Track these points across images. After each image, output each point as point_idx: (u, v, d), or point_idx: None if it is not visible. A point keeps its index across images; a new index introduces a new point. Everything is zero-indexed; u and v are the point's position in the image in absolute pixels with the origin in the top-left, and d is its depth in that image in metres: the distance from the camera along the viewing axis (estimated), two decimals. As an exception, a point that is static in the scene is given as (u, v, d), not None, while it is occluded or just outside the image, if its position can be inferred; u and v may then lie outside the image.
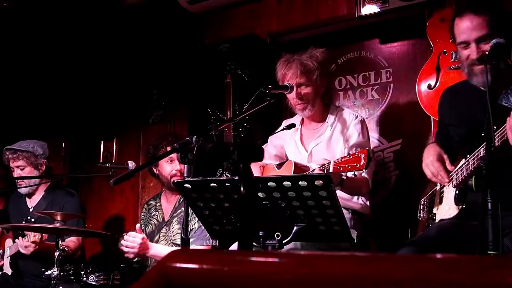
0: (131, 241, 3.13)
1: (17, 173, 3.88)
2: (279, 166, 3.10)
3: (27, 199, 4.03)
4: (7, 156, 3.87)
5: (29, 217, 3.84)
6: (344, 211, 2.71)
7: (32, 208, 3.97)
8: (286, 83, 2.93)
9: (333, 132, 3.00)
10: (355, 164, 2.21)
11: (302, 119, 3.19)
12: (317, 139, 3.04)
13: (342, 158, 2.30)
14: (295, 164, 2.90)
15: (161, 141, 3.54)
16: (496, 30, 2.22)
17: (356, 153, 2.25)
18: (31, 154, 3.88)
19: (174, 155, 3.19)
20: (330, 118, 3.05)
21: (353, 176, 2.69)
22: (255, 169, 3.21)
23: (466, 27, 2.28)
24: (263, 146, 3.35)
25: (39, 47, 4.96)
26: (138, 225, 3.22)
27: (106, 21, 4.91)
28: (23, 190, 3.94)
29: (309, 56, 2.98)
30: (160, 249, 3.25)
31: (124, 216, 4.82)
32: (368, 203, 2.99)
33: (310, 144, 3.06)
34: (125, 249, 3.14)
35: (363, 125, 2.99)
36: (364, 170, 2.24)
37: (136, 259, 3.28)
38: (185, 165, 2.21)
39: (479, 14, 2.27)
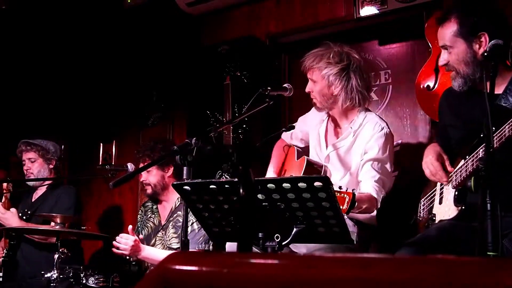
0: (123, 243, 3.12)
1: (27, 165, 4.02)
2: (299, 155, 3.02)
3: (33, 194, 4.15)
4: (20, 148, 4.05)
5: (26, 209, 3.90)
6: (349, 223, 2.67)
7: (33, 201, 4.08)
8: (285, 85, 2.91)
9: (355, 141, 2.82)
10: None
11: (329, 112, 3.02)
12: (337, 143, 2.88)
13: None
14: (308, 161, 2.81)
15: (141, 149, 3.56)
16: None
17: (342, 194, 2.12)
18: (43, 149, 4.04)
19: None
20: (355, 123, 2.85)
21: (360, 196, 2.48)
22: (279, 150, 3.17)
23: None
24: (294, 124, 3.20)
25: (38, 49, 4.97)
26: (130, 227, 3.20)
27: (105, 23, 4.92)
28: (30, 183, 4.08)
29: (330, 53, 2.83)
30: (152, 252, 3.24)
31: (123, 218, 4.82)
32: (375, 213, 2.76)
33: (329, 145, 2.92)
34: (117, 251, 3.13)
35: (387, 139, 2.76)
36: (345, 214, 2.10)
37: (133, 262, 3.27)
38: (185, 167, 2.21)
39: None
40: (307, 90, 2.90)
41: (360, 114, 2.87)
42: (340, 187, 2.15)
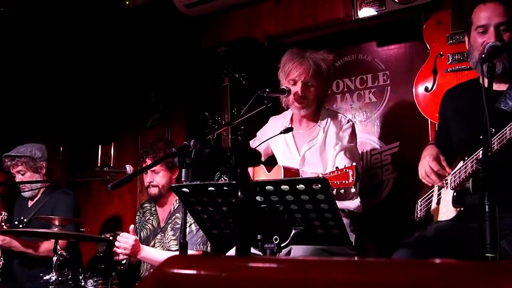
0: (124, 242, 3.11)
1: (18, 178, 3.90)
2: (269, 169, 3.09)
3: (29, 200, 4.05)
4: (6, 163, 3.89)
5: (22, 217, 3.86)
6: (347, 223, 2.73)
7: (29, 207, 4.00)
8: (283, 87, 2.93)
9: (326, 136, 2.98)
10: (344, 181, 2.20)
11: (291, 118, 3.16)
12: (309, 143, 3.01)
13: (330, 173, 2.28)
14: (285, 168, 2.89)
15: (147, 149, 3.54)
16: None
17: (344, 169, 2.23)
18: (29, 159, 3.88)
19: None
20: (322, 121, 3.03)
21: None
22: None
23: (490, 11, 2.31)
24: (251, 142, 3.36)
25: (36, 51, 4.96)
26: (132, 227, 3.20)
27: (103, 25, 4.92)
28: (26, 194, 3.96)
29: (322, 59, 2.96)
30: (150, 252, 3.25)
31: (122, 219, 4.81)
32: (358, 199, 2.92)
33: (302, 147, 3.03)
34: (118, 250, 3.13)
35: (353, 129, 3.00)
36: (353, 187, 2.21)
37: (124, 261, 3.26)
38: (183, 169, 2.21)
39: (502, 2, 2.32)
40: (300, 93, 2.93)
41: (324, 112, 3.08)
42: (337, 167, 2.27)
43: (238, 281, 0.78)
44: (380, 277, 0.67)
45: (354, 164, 2.27)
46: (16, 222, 3.82)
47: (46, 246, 3.71)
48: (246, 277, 0.78)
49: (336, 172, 2.25)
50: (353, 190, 2.56)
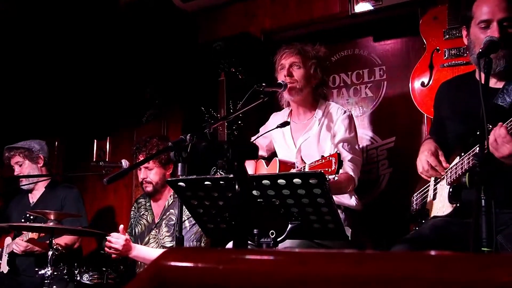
0: (114, 242, 3.10)
1: (17, 169, 4.05)
2: (268, 163, 3.10)
3: (29, 196, 4.16)
4: (6, 154, 4.07)
5: (28, 214, 3.86)
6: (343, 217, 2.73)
7: (33, 203, 4.08)
8: (280, 81, 2.93)
9: (321, 128, 2.97)
10: (327, 169, 2.19)
11: (290, 112, 3.17)
12: (305, 135, 3.01)
13: (316, 161, 2.28)
14: (280, 162, 2.90)
15: (140, 145, 3.51)
16: None
17: (328, 157, 2.22)
18: (26, 150, 4.06)
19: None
20: (319, 112, 3.02)
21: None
22: (250, 164, 3.22)
23: (493, 5, 2.23)
24: (253, 138, 3.36)
25: (31, 46, 4.94)
26: (121, 226, 3.18)
27: (100, 20, 4.89)
28: (25, 187, 4.09)
29: (312, 47, 3.04)
30: (143, 251, 3.23)
31: (118, 214, 4.81)
32: (353, 199, 2.96)
33: (298, 139, 3.04)
34: (108, 250, 3.12)
35: (351, 120, 2.97)
36: (335, 175, 2.20)
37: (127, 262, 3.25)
38: (179, 164, 2.20)
39: None
40: (286, 73, 2.96)
41: (322, 105, 3.06)
42: (322, 156, 2.27)
43: (236, 273, 0.78)
44: (377, 270, 0.67)
45: (336, 151, 2.28)
46: (23, 220, 3.83)
47: (65, 240, 3.81)
48: (244, 270, 0.78)
49: (321, 160, 2.25)
50: (350, 172, 2.66)
